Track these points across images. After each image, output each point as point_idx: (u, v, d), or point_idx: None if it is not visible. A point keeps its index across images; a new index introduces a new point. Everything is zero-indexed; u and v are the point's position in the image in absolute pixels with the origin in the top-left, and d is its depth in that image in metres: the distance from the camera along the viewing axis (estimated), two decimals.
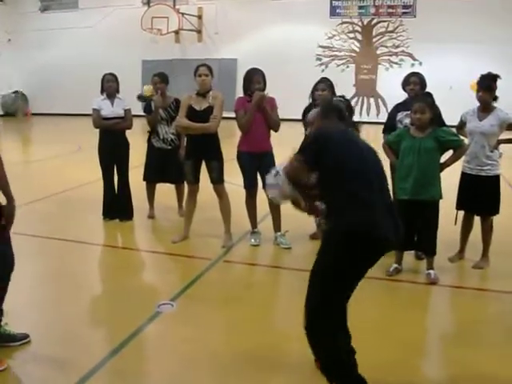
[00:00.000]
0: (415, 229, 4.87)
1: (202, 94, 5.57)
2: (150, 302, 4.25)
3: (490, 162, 4.98)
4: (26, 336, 3.64)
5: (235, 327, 3.96)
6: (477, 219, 5.29)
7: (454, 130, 5.09)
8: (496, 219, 5.21)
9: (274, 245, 5.76)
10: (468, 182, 5.10)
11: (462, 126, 5.22)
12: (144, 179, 6.80)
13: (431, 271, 4.84)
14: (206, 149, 5.59)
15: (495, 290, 4.70)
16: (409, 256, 5.19)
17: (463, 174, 5.16)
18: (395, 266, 4.97)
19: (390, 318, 4.15)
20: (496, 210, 5.11)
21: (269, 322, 4.10)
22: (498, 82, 4.91)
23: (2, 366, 3.31)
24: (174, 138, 6.57)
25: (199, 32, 22.74)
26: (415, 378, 3.32)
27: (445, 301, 4.75)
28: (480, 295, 4.66)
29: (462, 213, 5.29)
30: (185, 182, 6.13)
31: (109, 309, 4.30)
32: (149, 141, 6.72)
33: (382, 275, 4.87)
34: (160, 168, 6.62)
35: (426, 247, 4.91)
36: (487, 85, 4.93)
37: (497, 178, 5.04)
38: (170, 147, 6.58)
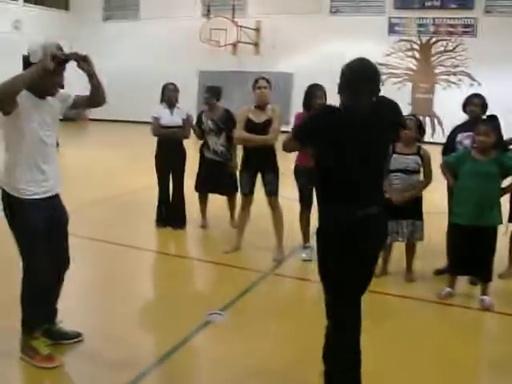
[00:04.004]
0: (471, 254, 4.74)
1: (261, 106, 5.61)
2: (200, 311, 4.29)
3: None
4: (78, 334, 3.74)
5: (284, 339, 3.94)
6: None
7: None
8: None
9: None
10: None
11: None
12: (196, 189, 6.86)
13: (486, 297, 4.71)
14: (263, 161, 5.61)
15: None
16: (461, 280, 5.07)
17: None
18: (448, 289, 4.85)
19: (442, 342, 4.05)
20: None
21: (319, 335, 4.08)
22: None
23: (55, 363, 3.41)
24: (223, 149, 6.57)
25: (256, 45, 22.92)
26: None
27: (499, 328, 4.61)
28: None
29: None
30: (237, 193, 6.16)
31: (160, 314, 4.36)
32: (201, 151, 6.79)
33: (433, 298, 4.79)
34: (211, 179, 6.64)
35: (483, 273, 4.76)
36: None
37: None
38: (220, 159, 6.60)
